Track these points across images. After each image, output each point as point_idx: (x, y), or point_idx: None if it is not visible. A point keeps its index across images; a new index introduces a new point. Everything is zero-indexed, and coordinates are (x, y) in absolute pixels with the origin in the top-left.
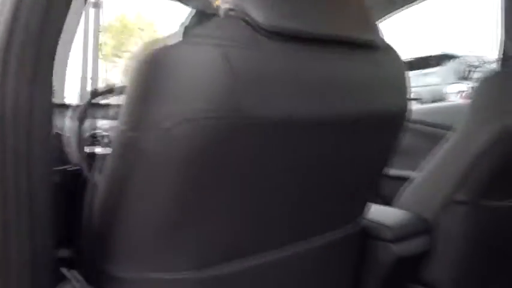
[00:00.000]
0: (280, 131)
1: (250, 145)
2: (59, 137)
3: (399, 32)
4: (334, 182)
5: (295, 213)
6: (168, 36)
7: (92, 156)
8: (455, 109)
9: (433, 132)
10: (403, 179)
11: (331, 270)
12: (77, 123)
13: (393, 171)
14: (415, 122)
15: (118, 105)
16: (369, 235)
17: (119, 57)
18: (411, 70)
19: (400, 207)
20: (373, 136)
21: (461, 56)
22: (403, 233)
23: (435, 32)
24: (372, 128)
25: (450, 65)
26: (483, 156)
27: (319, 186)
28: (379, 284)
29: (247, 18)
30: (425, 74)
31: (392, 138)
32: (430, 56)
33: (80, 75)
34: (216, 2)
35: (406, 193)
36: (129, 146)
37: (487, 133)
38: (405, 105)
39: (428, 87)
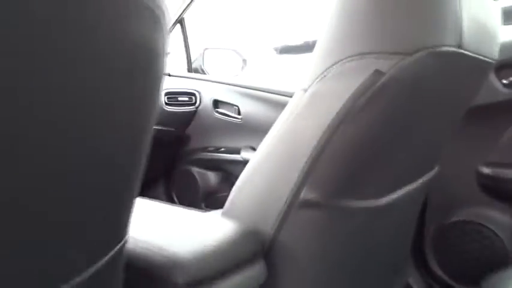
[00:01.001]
0: None
1: None
2: None
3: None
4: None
5: None
6: None
7: None
8: None
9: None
10: None
11: None
12: None
13: (245, 154)
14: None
15: None
16: (142, 274)
17: None
18: (297, 53)
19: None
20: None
21: None
22: (211, 267)
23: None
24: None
25: None
26: (334, 134)
27: None
28: None
29: None
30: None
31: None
32: (309, 42)
33: None
34: None
35: (232, 195)
36: None
37: (339, 99)
38: None
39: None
